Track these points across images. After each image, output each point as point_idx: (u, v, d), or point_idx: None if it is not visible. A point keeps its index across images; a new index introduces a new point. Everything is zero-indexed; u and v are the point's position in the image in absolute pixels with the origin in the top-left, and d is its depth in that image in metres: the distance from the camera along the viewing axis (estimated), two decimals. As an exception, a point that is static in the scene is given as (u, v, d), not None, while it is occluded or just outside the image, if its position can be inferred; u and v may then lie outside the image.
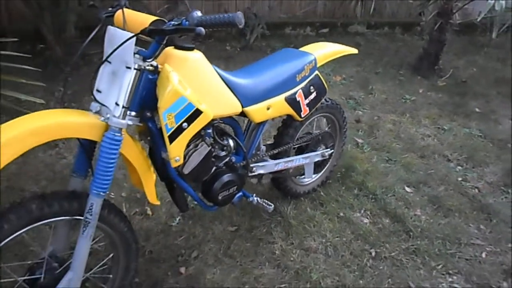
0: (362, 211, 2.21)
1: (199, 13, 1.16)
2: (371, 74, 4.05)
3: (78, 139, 1.33)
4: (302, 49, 1.96)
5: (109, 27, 1.33)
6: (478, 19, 2.93)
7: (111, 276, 1.55)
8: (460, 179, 2.52)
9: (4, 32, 3.68)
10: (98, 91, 1.33)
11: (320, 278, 1.80)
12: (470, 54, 4.67)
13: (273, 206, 1.84)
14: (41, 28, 3.71)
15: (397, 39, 5.13)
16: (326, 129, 2.23)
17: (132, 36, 1.18)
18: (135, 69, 1.24)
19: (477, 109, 3.40)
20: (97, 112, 1.31)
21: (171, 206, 2.15)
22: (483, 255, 1.98)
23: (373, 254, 1.95)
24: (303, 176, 2.22)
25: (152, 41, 1.26)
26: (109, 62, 1.32)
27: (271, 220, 2.10)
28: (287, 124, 1.98)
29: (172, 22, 1.19)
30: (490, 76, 4.09)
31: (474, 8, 4.35)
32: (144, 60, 1.26)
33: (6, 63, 2.20)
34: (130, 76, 1.24)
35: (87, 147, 1.36)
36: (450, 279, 1.84)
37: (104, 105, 1.29)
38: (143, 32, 1.19)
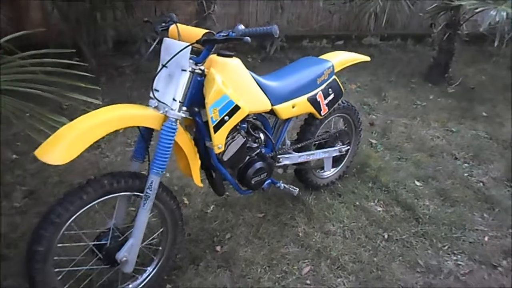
0: (376, 201, 2.46)
1: (242, 26, 1.46)
2: (384, 82, 4.31)
3: (139, 129, 1.64)
4: (321, 57, 2.25)
5: (165, 38, 1.65)
6: (481, 29, 3.17)
7: (160, 248, 1.84)
8: (466, 174, 2.75)
9: (47, 46, 4.08)
10: (156, 90, 1.63)
11: (339, 255, 2.05)
12: (479, 63, 4.90)
13: (298, 190, 2.12)
14: (78, 42, 4.09)
15: (409, 50, 5.39)
16: (343, 128, 2.50)
17: (189, 45, 1.49)
18: (189, 71, 1.54)
19: (484, 113, 3.63)
20: (155, 107, 1.61)
21: (206, 196, 2.45)
22: (486, 238, 2.21)
23: (386, 236, 2.19)
24: (323, 170, 2.49)
25: (202, 49, 1.56)
26: (165, 67, 1.63)
27: (295, 208, 2.37)
28: (308, 123, 2.26)
29: (221, 34, 1.49)
30: (498, 83, 4.31)
31: (484, 19, 4.59)
32: (196, 64, 1.56)
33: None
34: (185, 77, 1.54)
35: (146, 136, 1.67)
36: (454, 258, 2.08)
37: (161, 101, 1.59)
38: (198, 41, 1.50)
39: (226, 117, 1.67)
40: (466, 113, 3.61)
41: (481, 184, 2.66)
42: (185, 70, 1.54)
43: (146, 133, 1.66)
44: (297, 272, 1.95)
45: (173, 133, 1.56)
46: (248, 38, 1.40)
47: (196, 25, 4.12)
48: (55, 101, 2.07)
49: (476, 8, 3.20)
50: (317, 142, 2.36)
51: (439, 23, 4.32)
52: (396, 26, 5.55)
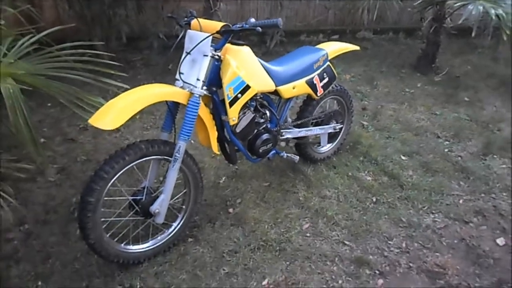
0: (366, 172, 2.82)
1: (253, 19, 1.81)
2: (376, 72, 4.66)
3: (167, 104, 1.98)
4: (317, 46, 2.61)
5: (188, 30, 1.99)
6: (460, 22, 3.52)
7: (183, 206, 2.19)
8: (446, 150, 3.11)
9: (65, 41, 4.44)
10: (181, 73, 1.98)
11: (333, 214, 2.41)
12: (465, 54, 5.25)
13: (298, 157, 2.48)
14: (92, 39, 4.42)
15: (400, 43, 5.74)
16: (337, 108, 2.85)
17: (211, 35, 1.84)
18: (210, 56, 1.89)
19: (466, 99, 3.99)
20: (181, 87, 1.96)
21: (217, 170, 2.80)
22: (460, 201, 2.57)
23: (374, 200, 2.55)
24: (320, 146, 2.85)
25: (220, 39, 1.91)
26: (189, 54, 1.97)
27: (296, 177, 2.73)
28: (306, 103, 2.62)
29: (237, 25, 1.84)
30: (481, 72, 4.67)
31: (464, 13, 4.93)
32: (215, 50, 1.91)
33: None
34: (207, 61, 1.89)
35: (173, 111, 2.02)
36: (432, 216, 2.44)
37: (186, 82, 1.94)
38: (218, 32, 1.85)
39: (239, 95, 2.02)
40: (450, 99, 3.97)
41: (459, 158, 3.02)
42: (206, 55, 1.88)
43: (173, 108, 2.01)
44: (298, 228, 2.31)
45: (197, 106, 1.91)
46: (259, 28, 1.75)
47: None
48: (88, 84, 2.39)
49: (456, 3, 3.55)
50: (314, 120, 2.71)
51: (427, 17, 4.67)
52: (388, 20, 5.88)
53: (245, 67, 2.04)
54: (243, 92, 2.03)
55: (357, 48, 2.73)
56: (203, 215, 2.40)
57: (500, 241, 2.24)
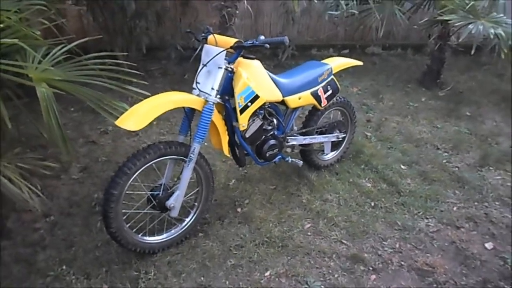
0: (367, 179, 3.01)
1: (263, 37, 2.05)
2: (383, 86, 4.85)
3: (184, 110, 2.21)
4: (322, 61, 2.83)
5: (205, 45, 2.23)
6: (460, 40, 3.70)
7: (196, 203, 2.41)
8: (444, 161, 3.28)
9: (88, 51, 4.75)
10: (198, 83, 2.21)
11: (334, 216, 2.60)
12: (471, 71, 5.41)
13: (302, 162, 2.69)
14: (113, 49, 4.72)
15: (408, 58, 5.93)
16: (340, 119, 3.06)
17: (225, 50, 2.07)
18: (224, 68, 2.12)
19: (467, 113, 4.16)
20: (197, 95, 2.19)
21: (227, 173, 3.02)
22: (454, 208, 2.74)
23: (372, 204, 2.74)
24: (323, 153, 3.05)
25: (233, 53, 2.15)
26: (205, 66, 2.20)
27: (300, 182, 2.93)
28: (312, 113, 2.83)
29: (248, 42, 2.07)
30: (485, 88, 4.83)
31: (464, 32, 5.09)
32: (228, 63, 2.14)
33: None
34: (221, 73, 2.12)
35: (189, 116, 2.25)
36: (426, 221, 2.61)
37: (202, 90, 2.17)
38: (232, 47, 2.08)
39: (249, 103, 2.25)
40: (452, 113, 4.13)
41: (457, 168, 3.18)
42: (221, 68, 2.12)
43: (190, 114, 2.24)
44: (300, 227, 2.51)
45: (211, 113, 2.13)
46: (267, 45, 1.98)
47: (219, 34, 4.78)
48: (110, 90, 2.63)
49: (459, 22, 3.74)
50: (318, 129, 2.92)
51: (433, 34, 4.86)
52: (397, 37, 6.08)
53: (255, 79, 2.27)
54: (252, 101, 2.25)
55: (360, 63, 2.94)
56: (213, 213, 2.61)
57: (489, 245, 2.40)
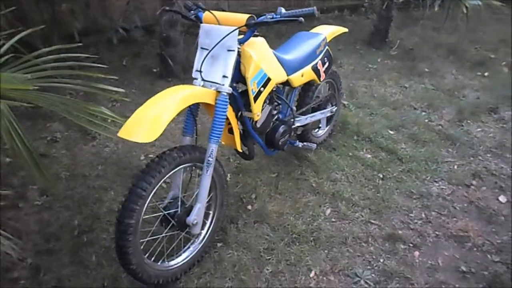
0: (364, 150, 2.89)
1: (283, 9, 1.73)
2: (335, 51, 4.74)
3: (189, 106, 1.84)
4: (312, 31, 2.58)
5: (203, 25, 1.84)
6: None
7: (210, 212, 2.07)
8: (426, 120, 3.30)
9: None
10: (199, 71, 1.83)
11: (350, 196, 2.45)
12: (409, 27, 5.56)
13: (315, 145, 2.47)
14: (34, 41, 3.97)
15: (346, 20, 5.91)
16: (329, 92, 2.87)
17: (239, 28, 1.72)
18: (237, 51, 1.77)
19: (426, 69, 4.25)
20: (203, 86, 1.82)
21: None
22: (455, 167, 2.75)
23: (381, 176, 2.63)
24: (317, 130, 2.85)
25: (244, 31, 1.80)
26: (204, 49, 1.83)
27: (301, 164, 2.72)
28: (305, 89, 2.59)
29: (267, 16, 1.73)
30: (429, 43, 4.99)
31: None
32: (239, 44, 1.80)
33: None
34: (233, 56, 1.77)
35: (194, 112, 1.88)
36: (437, 184, 2.58)
37: (208, 80, 1.81)
38: (248, 25, 1.73)
39: (262, 88, 1.94)
40: (412, 71, 4.19)
41: (440, 126, 3.21)
42: (233, 50, 1.76)
43: (195, 110, 1.87)
44: (322, 215, 2.31)
45: (226, 105, 1.79)
46: (302, 19, 1.66)
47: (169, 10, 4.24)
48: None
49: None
50: (313, 106, 2.70)
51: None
52: (332, -1, 6.03)
53: (264, 59, 1.96)
54: (265, 85, 1.95)
55: (346, 30, 2.75)
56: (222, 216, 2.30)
57: (502, 198, 2.44)
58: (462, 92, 3.76)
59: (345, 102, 3.54)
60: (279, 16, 1.72)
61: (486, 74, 4.14)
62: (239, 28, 1.73)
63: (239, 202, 2.42)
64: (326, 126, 2.87)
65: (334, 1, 6.07)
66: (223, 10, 1.96)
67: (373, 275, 1.95)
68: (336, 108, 2.89)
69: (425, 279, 1.93)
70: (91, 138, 3.11)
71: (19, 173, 2.67)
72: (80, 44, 2.73)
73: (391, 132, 3.12)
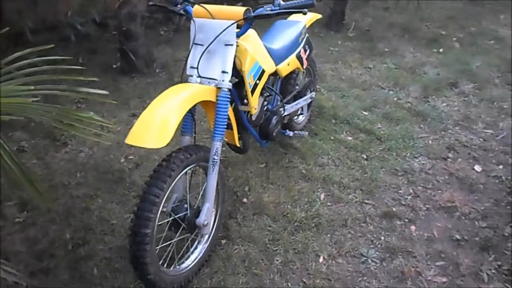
0: (344, 133, 2.97)
1: (281, 1, 1.70)
2: (295, 36, 4.80)
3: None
4: (289, 19, 2.57)
5: (195, 19, 1.78)
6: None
7: (214, 209, 2.04)
8: (395, 99, 3.44)
9: None
10: (195, 68, 1.78)
11: (340, 179, 2.51)
12: (362, 8, 5.71)
13: (307, 133, 2.49)
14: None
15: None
16: (307, 78, 2.90)
17: (237, 21, 1.68)
18: (236, 45, 1.73)
19: (386, 49, 4.41)
20: (200, 83, 1.77)
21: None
22: (430, 142, 2.90)
23: (365, 157, 2.73)
24: (297, 117, 2.88)
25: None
26: (198, 45, 1.77)
27: (287, 152, 2.75)
28: (287, 78, 2.59)
29: (266, 8, 1.69)
30: (383, 23, 5.17)
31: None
32: (236, 38, 1.76)
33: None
34: (232, 51, 1.73)
35: (193, 110, 1.82)
36: (417, 160, 2.71)
37: (205, 77, 1.76)
38: (247, 18, 1.69)
39: (257, 81, 1.92)
40: (373, 51, 4.33)
41: (409, 104, 3.37)
42: (231, 45, 1.72)
43: (192, 108, 1.81)
44: (318, 200, 2.36)
45: (228, 101, 1.76)
46: (306, 10, 1.64)
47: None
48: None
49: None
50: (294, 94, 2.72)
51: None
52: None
53: (257, 51, 1.94)
54: (260, 77, 1.94)
55: (320, 16, 2.78)
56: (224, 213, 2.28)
57: (477, 168, 2.63)
58: (423, 69, 3.95)
59: (317, 86, 3.59)
60: (277, 8, 1.70)
61: (441, 50, 4.38)
62: (237, 21, 1.69)
63: (234, 196, 2.40)
64: (307, 112, 2.90)
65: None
66: (208, 3, 1.90)
67: (377, 253, 2.03)
68: (315, 93, 2.93)
69: (425, 250, 2.04)
70: (61, 144, 2.93)
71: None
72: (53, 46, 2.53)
73: (366, 113, 3.23)
